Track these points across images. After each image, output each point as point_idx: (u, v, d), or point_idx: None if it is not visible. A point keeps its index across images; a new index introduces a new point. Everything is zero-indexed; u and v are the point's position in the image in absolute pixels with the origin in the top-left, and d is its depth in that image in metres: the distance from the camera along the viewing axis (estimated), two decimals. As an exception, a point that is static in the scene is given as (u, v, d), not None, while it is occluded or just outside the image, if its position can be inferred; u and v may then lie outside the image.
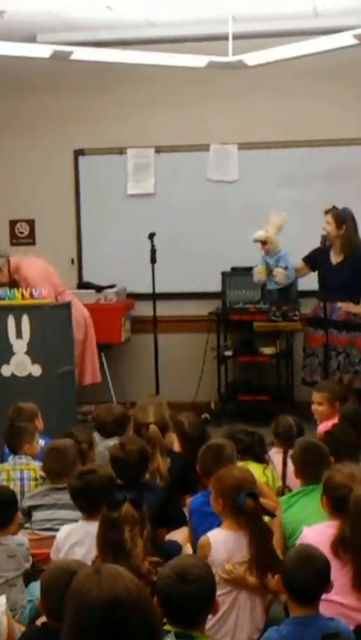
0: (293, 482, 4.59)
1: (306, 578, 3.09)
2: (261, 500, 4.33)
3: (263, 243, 7.52)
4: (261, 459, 4.77)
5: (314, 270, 7.50)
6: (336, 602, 3.40)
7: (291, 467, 4.55)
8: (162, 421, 4.92)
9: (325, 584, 3.12)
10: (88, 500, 4.02)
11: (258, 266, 7.62)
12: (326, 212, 7.29)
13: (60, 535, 4.05)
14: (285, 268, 7.49)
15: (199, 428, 5.23)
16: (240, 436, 4.70)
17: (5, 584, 3.76)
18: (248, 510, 3.70)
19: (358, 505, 3.49)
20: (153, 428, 4.78)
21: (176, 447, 5.22)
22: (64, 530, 4.06)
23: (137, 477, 4.41)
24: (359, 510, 3.48)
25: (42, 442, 5.28)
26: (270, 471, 4.75)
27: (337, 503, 3.68)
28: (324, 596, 3.18)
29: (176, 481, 4.78)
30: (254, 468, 4.57)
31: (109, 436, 5.40)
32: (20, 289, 6.95)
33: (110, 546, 3.56)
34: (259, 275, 7.61)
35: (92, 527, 3.79)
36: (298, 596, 3.12)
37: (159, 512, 4.21)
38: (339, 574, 3.42)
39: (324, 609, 3.22)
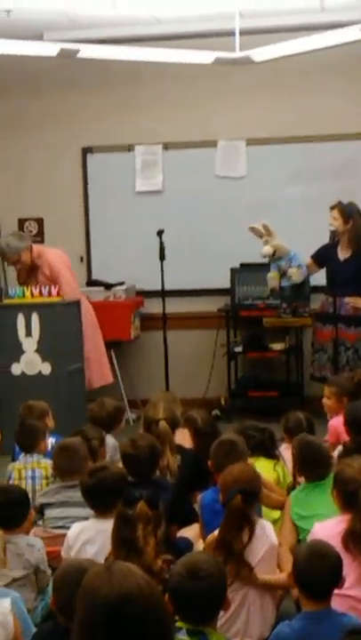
0: (304, 477, 4.59)
1: (318, 574, 3.09)
2: (270, 494, 4.34)
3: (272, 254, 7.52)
4: (272, 455, 4.77)
5: (322, 267, 7.50)
6: (347, 595, 3.41)
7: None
8: (172, 418, 4.92)
9: (338, 580, 3.12)
10: (100, 497, 4.03)
11: (270, 272, 7.58)
12: (332, 208, 7.27)
13: (71, 533, 4.06)
14: (299, 267, 7.48)
15: (211, 423, 5.25)
16: (251, 433, 4.70)
17: (14, 583, 3.76)
18: (232, 506, 3.69)
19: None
20: (163, 424, 4.79)
21: (186, 443, 5.23)
22: (75, 527, 4.07)
23: (148, 474, 4.41)
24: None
25: (52, 439, 5.29)
26: (281, 467, 4.74)
27: (348, 497, 3.68)
28: (336, 591, 3.18)
29: (187, 477, 4.78)
30: (265, 464, 4.59)
31: (108, 431, 5.43)
32: (30, 287, 6.99)
33: (123, 542, 3.58)
34: (273, 281, 7.58)
35: (104, 525, 3.81)
36: (310, 592, 3.12)
37: (171, 509, 4.22)
38: (349, 568, 3.42)
39: (335, 602, 3.22)
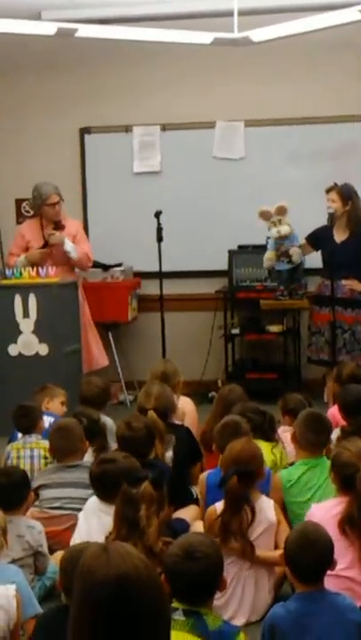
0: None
1: (308, 558, 3.10)
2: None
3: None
4: (271, 438, 4.78)
5: (316, 249, 7.47)
6: (343, 576, 3.44)
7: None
8: (164, 405, 4.87)
9: (328, 563, 3.14)
10: (105, 487, 4.02)
11: (267, 252, 7.54)
12: (329, 190, 7.24)
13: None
14: (299, 247, 7.46)
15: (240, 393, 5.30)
16: (250, 415, 4.73)
17: (13, 564, 3.78)
18: (229, 488, 3.72)
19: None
20: (151, 414, 4.75)
21: (189, 422, 5.27)
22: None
23: (145, 455, 4.42)
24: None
25: (51, 419, 5.30)
26: (279, 450, 4.77)
27: (345, 481, 3.70)
28: (332, 572, 3.19)
29: (183, 456, 4.78)
30: (263, 447, 4.59)
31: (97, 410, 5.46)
32: (27, 269, 6.97)
33: (125, 521, 3.59)
34: (269, 261, 7.53)
35: (105, 507, 3.88)
36: (301, 576, 3.14)
37: (168, 490, 4.23)
38: (346, 550, 3.44)
39: (333, 583, 3.25)
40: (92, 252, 7.56)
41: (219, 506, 3.84)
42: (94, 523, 3.90)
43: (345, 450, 3.83)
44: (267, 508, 3.87)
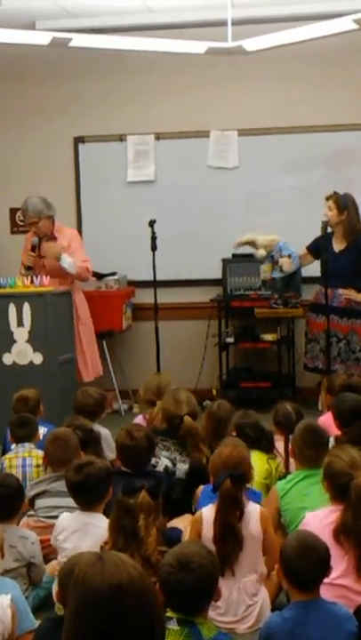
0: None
1: (306, 567, 3.10)
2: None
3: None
4: (268, 452, 4.78)
5: (318, 258, 7.48)
6: (338, 584, 3.43)
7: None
8: (194, 410, 4.91)
9: (325, 572, 3.14)
10: (86, 492, 4.01)
11: (263, 264, 7.58)
12: (328, 198, 7.27)
13: (59, 522, 4.07)
14: (289, 256, 7.47)
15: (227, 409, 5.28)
16: (247, 430, 4.73)
17: (5, 574, 3.76)
18: (223, 490, 3.72)
19: (360, 494, 3.51)
20: (187, 419, 4.76)
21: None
22: (64, 517, 4.07)
23: (144, 465, 4.42)
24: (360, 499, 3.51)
25: (44, 429, 5.29)
26: (275, 462, 4.77)
27: (338, 490, 3.69)
28: (327, 580, 3.19)
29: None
30: (259, 457, 4.60)
31: (92, 420, 5.44)
32: (20, 277, 6.97)
33: (123, 531, 3.58)
34: (265, 273, 7.59)
35: (87, 518, 3.87)
36: (298, 584, 3.14)
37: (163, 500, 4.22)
38: (342, 559, 3.44)
39: (328, 592, 3.24)
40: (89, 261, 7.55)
41: (205, 511, 3.81)
42: (86, 542, 3.84)
43: (337, 459, 3.81)
44: (253, 515, 3.86)
